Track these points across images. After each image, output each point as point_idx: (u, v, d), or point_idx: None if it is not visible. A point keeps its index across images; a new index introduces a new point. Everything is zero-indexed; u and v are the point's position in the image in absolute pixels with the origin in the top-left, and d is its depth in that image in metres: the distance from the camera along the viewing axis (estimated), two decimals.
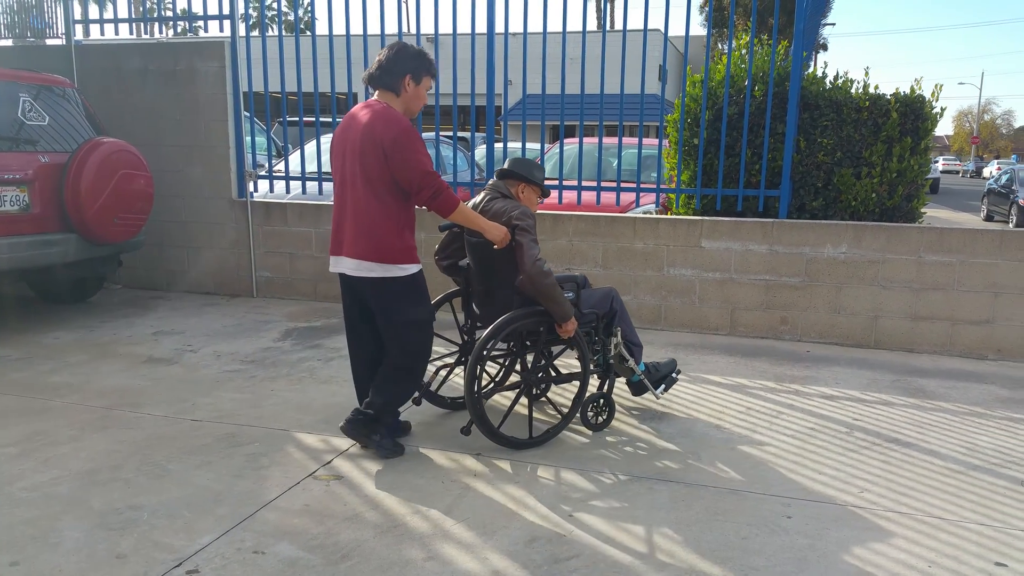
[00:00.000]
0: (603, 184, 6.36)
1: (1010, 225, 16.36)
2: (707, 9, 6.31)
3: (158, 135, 6.94)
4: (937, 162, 56.58)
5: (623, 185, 6.37)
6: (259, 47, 12.89)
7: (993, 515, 3.15)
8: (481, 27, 7.01)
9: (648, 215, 6.39)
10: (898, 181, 5.88)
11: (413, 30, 31.71)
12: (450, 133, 8.58)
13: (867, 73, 6.09)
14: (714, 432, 3.98)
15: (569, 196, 6.89)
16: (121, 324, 5.98)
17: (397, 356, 3.50)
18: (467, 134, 12.43)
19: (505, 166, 3.82)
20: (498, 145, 7.93)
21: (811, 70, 6.38)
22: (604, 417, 4.01)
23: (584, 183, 6.48)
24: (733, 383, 4.78)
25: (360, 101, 3.57)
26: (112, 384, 4.56)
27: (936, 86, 5.99)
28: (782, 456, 3.69)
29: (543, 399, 4.21)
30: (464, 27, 8.51)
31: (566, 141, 8.99)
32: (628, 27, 5.93)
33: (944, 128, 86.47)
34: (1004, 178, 18.35)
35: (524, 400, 4.13)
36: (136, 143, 6.47)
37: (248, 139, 7.37)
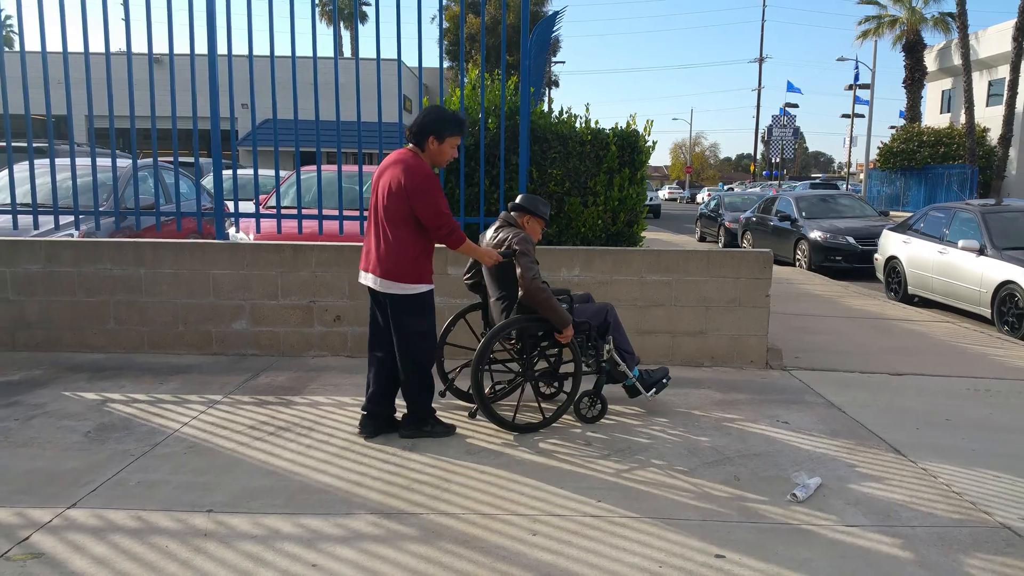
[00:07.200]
0: (346, 213, 6.21)
1: (719, 245, 18.50)
2: (443, 42, 6.43)
3: None
4: (663, 189, 63.11)
5: (366, 214, 6.26)
6: None
7: (713, 510, 3.44)
8: (202, 48, 6.64)
9: None
10: (620, 208, 6.37)
11: (138, 49, 29.22)
12: (173, 159, 7.97)
13: (588, 109, 6.55)
14: (467, 458, 3.98)
15: (310, 226, 6.64)
16: None
17: (405, 360, 4.13)
18: (202, 160, 11.63)
19: (517, 201, 4.47)
20: (228, 172, 7.46)
21: (540, 105, 6.74)
22: (596, 412, 4.56)
23: (326, 212, 6.29)
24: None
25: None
26: None
27: (648, 121, 6.57)
28: (525, 478, 3.77)
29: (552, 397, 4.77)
30: (185, 47, 7.90)
31: (305, 168, 8.67)
32: (368, 56, 5.87)
33: (663, 159, 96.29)
34: (713, 203, 20.76)
35: (528, 392, 4.69)
36: None
37: None
